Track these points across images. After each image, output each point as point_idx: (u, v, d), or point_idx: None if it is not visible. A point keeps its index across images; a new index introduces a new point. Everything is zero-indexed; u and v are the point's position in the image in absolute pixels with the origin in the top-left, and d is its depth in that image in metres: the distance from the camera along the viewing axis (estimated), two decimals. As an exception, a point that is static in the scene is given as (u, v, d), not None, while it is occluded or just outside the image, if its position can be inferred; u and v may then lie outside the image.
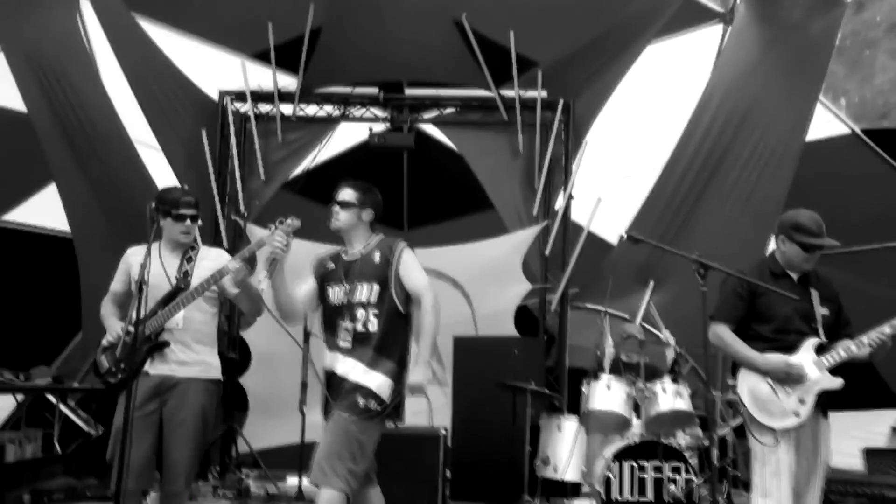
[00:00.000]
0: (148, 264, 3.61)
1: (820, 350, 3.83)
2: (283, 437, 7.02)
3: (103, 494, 5.73)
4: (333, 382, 3.81)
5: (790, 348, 3.86)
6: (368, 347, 3.74)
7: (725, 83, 7.21)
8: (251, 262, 3.90)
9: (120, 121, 7.18)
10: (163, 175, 7.35)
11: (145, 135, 7.37)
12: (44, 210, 7.89)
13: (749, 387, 3.93)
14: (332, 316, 3.86)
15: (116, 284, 4.16)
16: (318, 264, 4.00)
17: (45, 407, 6.71)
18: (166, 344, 3.88)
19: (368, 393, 3.68)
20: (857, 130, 7.62)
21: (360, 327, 3.76)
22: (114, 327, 4.01)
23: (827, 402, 3.85)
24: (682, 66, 7.56)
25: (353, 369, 3.73)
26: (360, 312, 3.77)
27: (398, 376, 3.76)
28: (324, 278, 3.94)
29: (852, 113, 7.83)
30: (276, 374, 7.17)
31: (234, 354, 7.28)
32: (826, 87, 7.38)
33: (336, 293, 3.86)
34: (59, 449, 6.35)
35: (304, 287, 3.95)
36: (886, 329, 3.72)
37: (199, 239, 4.31)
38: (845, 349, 3.78)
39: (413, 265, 3.85)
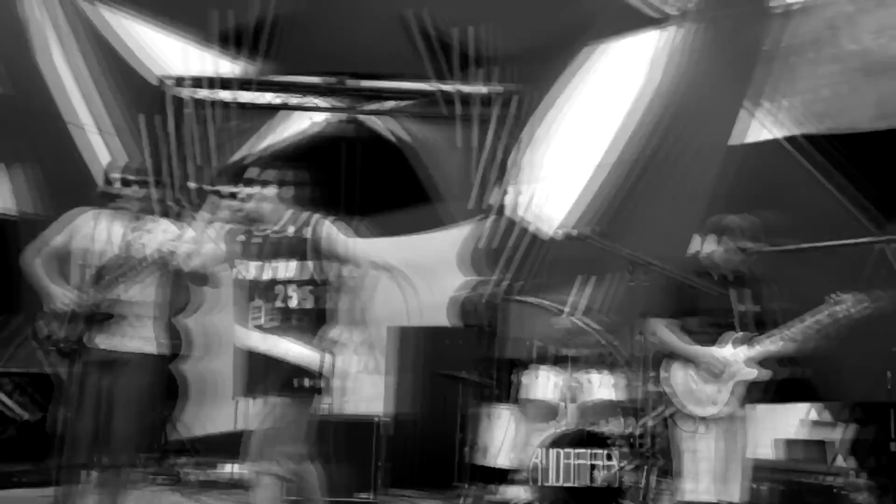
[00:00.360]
0: (95, 238, 3.64)
1: (737, 343, 4.06)
2: (216, 426, 7.03)
3: (38, 480, 5.65)
4: (253, 362, 3.76)
5: (711, 342, 4.08)
6: (291, 323, 3.70)
7: (658, 85, 7.48)
8: None
9: (54, 101, 7.10)
10: (98, 157, 7.27)
11: (84, 117, 7.27)
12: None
13: (672, 376, 4.16)
14: (249, 294, 3.79)
15: (56, 238, 4.07)
16: (231, 239, 3.92)
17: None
18: (109, 316, 3.88)
19: (298, 370, 3.65)
20: (781, 137, 7.97)
21: (279, 304, 3.71)
22: (56, 294, 3.95)
23: (745, 394, 4.07)
24: (620, 69, 7.79)
25: (276, 346, 3.68)
26: (279, 289, 3.73)
27: (326, 351, 3.73)
28: (242, 250, 3.86)
29: (779, 119, 8.18)
30: (209, 360, 7.15)
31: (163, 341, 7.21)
32: (755, 93, 7.71)
33: (252, 268, 3.79)
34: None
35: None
36: (798, 325, 3.97)
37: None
38: (760, 343, 4.02)
39: (334, 235, 3.82)
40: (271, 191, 3.83)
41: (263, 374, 3.69)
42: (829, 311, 3.94)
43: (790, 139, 7.92)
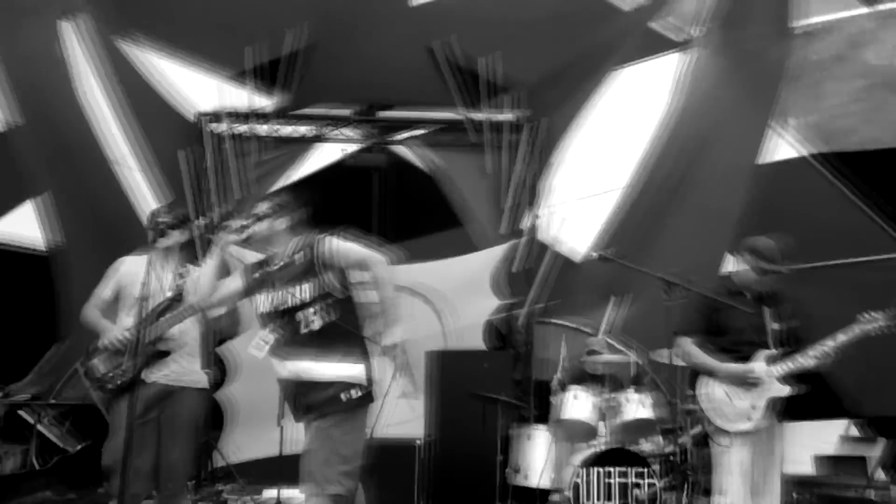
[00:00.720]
0: (149, 281, 3.79)
1: (771, 361, 4.15)
2: (260, 451, 7.17)
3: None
4: (292, 387, 3.76)
5: (744, 359, 4.19)
6: (318, 345, 3.68)
7: (684, 108, 7.58)
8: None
9: (96, 139, 7.32)
10: (141, 195, 7.49)
11: (124, 154, 7.50)
12: (18, 227, 7.95)
13: (707, 393, 4.27)
14: (271, 323, 3.78)
15: (105, 292, 4.27)
16: (247, 269, 3.94)
17: (20, 423, 6.78)
18: (167, 353, 4.05)
19: (342, 385, 3.66)
20: (807, 154, 8.03)
21: (303, 329, 3.70)
22: (110, 331, 4.14)
23: (782, 409, 4.16)
24: (644, 91, 7.91)
25: (309, 369, 3.68)
26: (300, 315, 3.71)
27: (365, 358, 3.74)
28: (255, 285, 3.87)
29: (803, 137, 8.24)
30: (251, 386, 7.30)
31: (209, 370, 7.37)
32: (779, 113, 7.78)
33: (268, 301, 3.78)
34: (37, 464, 6.40)
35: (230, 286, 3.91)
36: (829, 342, 4.07)
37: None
38: (793, 360, 4.12)
39: (340, 247, 3.78)
40: (280, 220, 3.85)
41: (308, 398, 3.70)
42: (861, 329, 4.01)
43: (817, 156, 7.98)
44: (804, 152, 8.00)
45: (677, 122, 7.57)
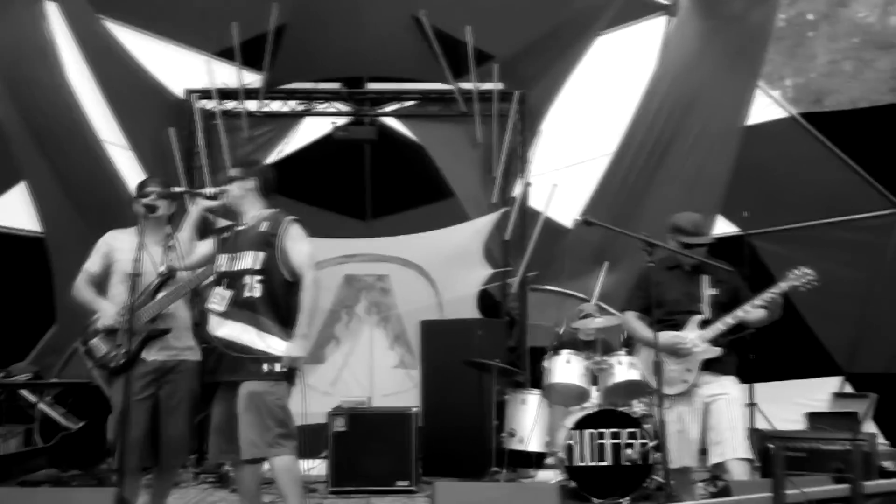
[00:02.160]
0: (141, 258, 3.83)
1: (704, 325, 4.35)
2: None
3: (88, 482, 5.95)
4: (224, 346, 3.88)
5: (678, 326, 4.39)
6: (256, 313, 3.86)
7: (670, 72, 7.59)
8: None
9: (87, 120, 7.34)
10: (132, 173, 7.52)
11: (113, 134, 7.53)
12: (12, 211, 7.99)
13: (648, 362, 4.52)
14: (219, 281, 3.99)
15: (92, 266, 4.26)
16: (216, 232, 4.20)
17: (22, 403, 6.87)
18: (167, 331, 4.12)
19: (267, 357, 3.82)
20: (795, 114, 8.06)
21: (246, 293, 3.87)
22: (107, 311, 4.14)
23: (718, 367, 4.36)
24: (630, 56, 7.91)
25: (243, 333, 3.85)
26: (247, 279, 3.90)
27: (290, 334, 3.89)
28: (219, 246, 4.09)
29: (790, 98, 8.28)
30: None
31: (206, 344, 7.46)
32: (765, 74, 7.80)
33: (224, 260, 4.01)
34: (40, 443, 6.51)
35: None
36: (775, 290, 4.21)
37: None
38: (723, 322, 4.30)
39: (298, 239, 3.98)
40: (249, 184, 4.08)
41: (232, 361, 3.86)
42: (788, 286, 4.16)
43: (806, 115, 8.02)
44: (792, 112, 8.04)
45: (664, 86, 7.58)
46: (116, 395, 4.02)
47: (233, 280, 3.93)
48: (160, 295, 4.14)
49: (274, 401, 3.80)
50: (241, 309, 3.87)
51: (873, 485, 3.23)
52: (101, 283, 4.27)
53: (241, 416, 3.78)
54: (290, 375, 3.90)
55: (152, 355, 4.13)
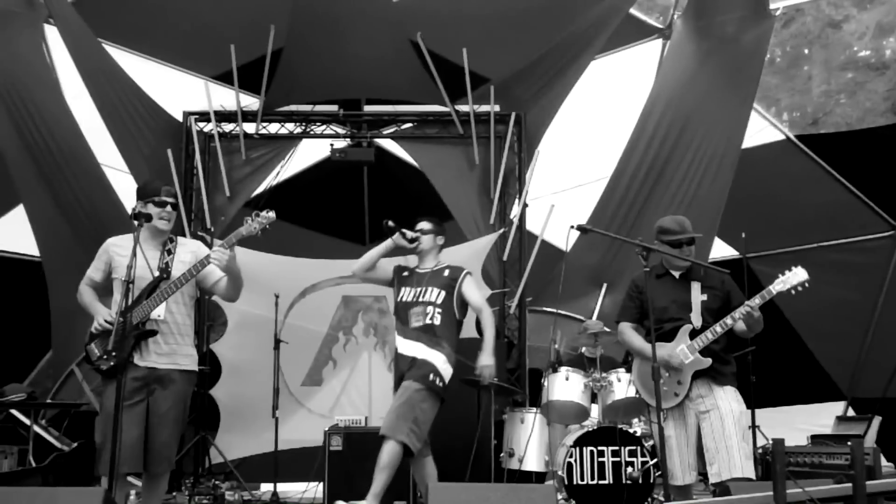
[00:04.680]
0: (134, 264, 3.83)
1: (694, 335, 4.33)
2: (255, 447, 7.20)
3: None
4: (401, 362, 4.96)
5: (668, 334, 4.37)
6: (432, 335, 4.92)
7: (666, 94, 7.63)
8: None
9: (87, 143, 7.36)
10: (130, 197, 7.51)
11: (111, 158, 7.55)
12: (11, 234, 8.00)
13: (640, 375, 4.53)
14: (405, 309, 5.04)
15: (94, 272, 4.34)
16: (397, 268, 5.30)
17: (17, 424, 6.82)
18: (153, 332, 4.10)
19: (435, 370, 4.85)
20: (792, 136, 8.11)
21: (427, 320, 4.94)
22: (100, 314, 4.19)
23: (713, 377, 4.33)
24: (626, 78, 7.99)
25: (419, 350, 4.89)
26: (429, 309, 4.97)
27: (453, 363, 4.95)
28: (399, 281, 5.19)
29: (786, 120, 8.34)
30: (245, 384, 7.33)
31: (206, 367, 7.43)
32: (760, 97, 7.86)
33: (408, 293, 5.09)
34: (33, 463, 6.44)
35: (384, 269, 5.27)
36: (743, 309, 4.19)
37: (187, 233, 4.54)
38: (711, 331, 4.27)
39: (474, 286, 5.16)
40: (440, 240, 5.37)
41: (405, 369, 4.94)
42: (776, 290, 4.12)
43: (802, 137, 8.06)
44: (788, 134, 8.09)
45: (660, 108, 7.62)
46: (108, 401, 4.00)
47: (421, 308, 5.00)
48: (150, 298, 4.12)
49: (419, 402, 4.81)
50: (423, 331, 4.97)
51: (876, 484, 3.18)
52: (106, 289, 4.29)
53: (396, 400, 4.87)
54: (443, 392, 4.96)
55: (144, 360, 4.11)
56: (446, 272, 5.15)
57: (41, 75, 7.12)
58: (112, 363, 4.02)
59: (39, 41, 7.06)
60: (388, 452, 4.70)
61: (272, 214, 4.08)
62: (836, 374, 8.69)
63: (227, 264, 4.11)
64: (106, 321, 4.12)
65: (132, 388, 4.03)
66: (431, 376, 4.84)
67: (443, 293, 5.02)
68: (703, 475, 4.43)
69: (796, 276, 4.12)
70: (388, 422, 4.74)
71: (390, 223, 5.15)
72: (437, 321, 4.96)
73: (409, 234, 5.17)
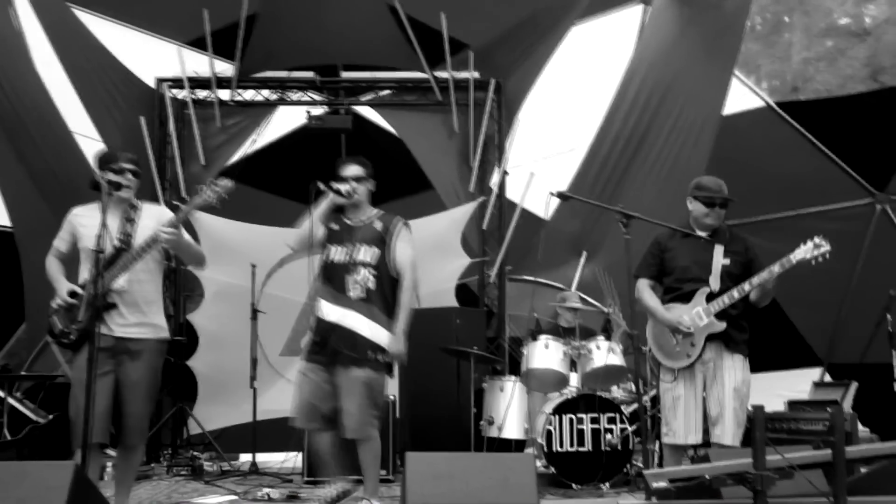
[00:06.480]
0: (105, 234, 3.75)
1: (710, 298, 4.32)
2: (233, 418, 7.16)
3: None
4: (329, 331, 4.28)
5: (687, 296, 4.37)
6: (369, 304, 4.27)
7: (647, 61, 7.57)
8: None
9: (57, 110, 7.20)
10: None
11: (84, 126, 7.40)
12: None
13: (654, 334, 4.50)
14: (335, 272, 4.35)
15: (60, 243, 4.28)
16: (325, 220, 4.48)
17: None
18: (112, 304, 4.02)
19: (377, 347, 4.24)
20: (772, 103, 8.07)
21: (360, 285, 4.28)
22: (62, 289, 4.14)
23: (726, 343, 4.33)
24: (606, 45, 7.90)
25: (356, 322, 4.24)
26: (362, 272, 4.28)
27: (395, 329, 4.30)
28: (327, 237, 4.43)
29: (767, 87, 8.29)
30: (223, 355, 7.27)
31: (182, 338, 7.36)
32: (741, 63, 7.80)
33: (338, 252, 4.37)
34: (8, 436, 6.37)
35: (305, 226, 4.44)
36: (765, 274, 4.17)
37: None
38: (728, 296, 4.27)
39: (407, 241, 4.38)
40: (370, 184, 4.50)
41: (336, 342, 4.27)
42: (796, 259, 4.09)
43: (782, 104, 8.03)
44: (768, 101, 8.05)
45: (640, 75, 7.56)
46: (77, 373, 3.94)
47: (352, 270, 4.31)
48: (109, 270, 4.05)
49: (376, 386, 4.28)
50: (359, 299, 4.29)
51: (855, 450, 3.18)
52: (73, 260, 4.21)
53: (349, 397, 4.19)
54: (390, 367, 4.36)
55: (108, 331, 4.03)
56: (378, 224, 4.41)
57: (8, 41, 6.91)
58: (73, 337, 3.98)
59: (6, 6, 6.85)
60: (367, 450, 4.31)
61: (229, 182, 4.03)
62: (813, 341, 8.76)
63: (174, 244, 4.09)
64: (66, 297, 4.05)
65: (99, 359, 3.94)
66: (373, 353, 4.25)
67: (375, 250, 4.33)
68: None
69: (818, 247, 4.08)
70: (354, 423, 4.20)
71: (320, 185, 4.41)
72: (372, 285, 4.28)
73: (344, 187, 4.38)
